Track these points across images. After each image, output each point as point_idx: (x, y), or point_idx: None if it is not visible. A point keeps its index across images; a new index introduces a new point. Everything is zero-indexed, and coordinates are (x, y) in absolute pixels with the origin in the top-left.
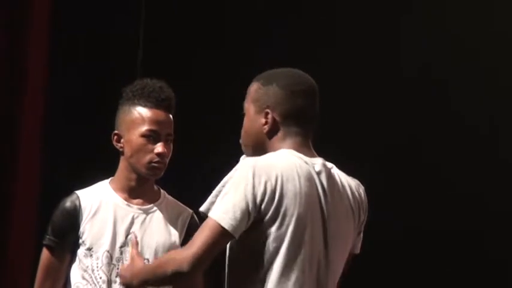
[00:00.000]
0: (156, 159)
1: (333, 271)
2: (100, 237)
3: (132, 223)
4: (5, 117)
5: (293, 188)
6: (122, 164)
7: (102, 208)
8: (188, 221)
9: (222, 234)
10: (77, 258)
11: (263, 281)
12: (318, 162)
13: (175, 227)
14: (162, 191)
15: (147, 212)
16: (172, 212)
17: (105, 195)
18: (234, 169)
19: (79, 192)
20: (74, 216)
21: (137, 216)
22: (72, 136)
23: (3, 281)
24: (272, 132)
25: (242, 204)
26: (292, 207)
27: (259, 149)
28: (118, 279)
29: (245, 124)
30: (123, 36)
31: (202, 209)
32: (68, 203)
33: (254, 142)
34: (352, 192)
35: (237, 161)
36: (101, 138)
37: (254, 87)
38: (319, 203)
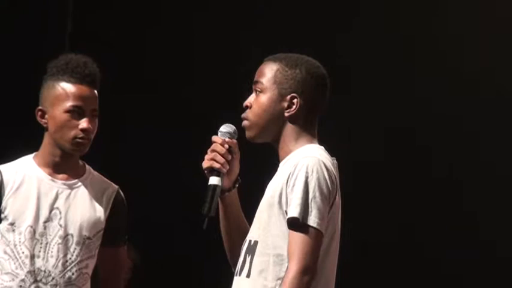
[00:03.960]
0: (81, 135)
1: None
2: (23, 212)
3: (56, 198)
4: None
5: (338, 188)
6: (46, 140)
7: (26, 183)
8: (114, 196)
9: (321, 238)
10: None
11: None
12: (335, 162)
13: (100, 203)
14: (87, 166)
15: (71, 187)
16: (97, 187)
17: (28, 170)
18: (302, 170)
19: (1, 167)
20: None
21: (61, 192)
22: None
23: None
24: (294, 119)
25: (326, 206)
26: (338, 203)
27: (271, 131)
28: (41, 254)
29: (262, 103)
30: (52, 7)
31: (297, 216)
32: None
33: (268, 123)
34: None
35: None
36: (25, 113)
37: (275, 67)
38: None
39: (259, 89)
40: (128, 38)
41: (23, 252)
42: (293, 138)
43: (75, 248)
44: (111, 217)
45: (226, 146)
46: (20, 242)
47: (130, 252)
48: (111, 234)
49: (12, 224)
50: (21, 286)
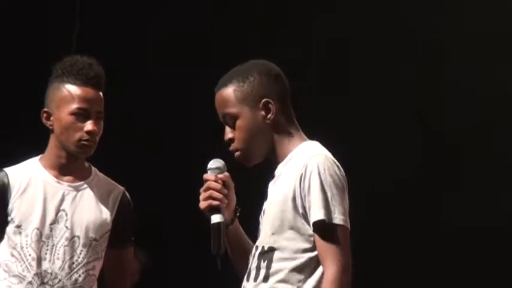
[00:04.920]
0: (86, 137)
1: None
2: (29, 214)
3: (62, 200)
4: None
5: None
6: (52, 142)
7: (32, 185)
8: (120, 198)
9: (348, 234)
10: (6, 235)
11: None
12: None
13: (107, 204)
14: (93, 168)
15: (77, 189)
16: (103, 189)
17: (34, 173)
18: (314, 170)
19: (7, 170)
20: (2, 194)
21: (67, 193)
22: (1, 112)
23: None
24: (277, 122)
25: (346, 200)
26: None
27: (264, 146)
28: (48, 256)
29: (243, 127)
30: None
31: (324, 217)
32: None
33: (258, 141)
34: None
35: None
36: (31, 115)
37: (230, 90)
38: None
39: (231, 119)
40: (135, 38)
41: (29, 255)
42: (286, 140)
43: (81, 250)
44: (117, 219)
45: (220, 181)
46: (26, 244)
47: (138, 254)
48: (117, 235)
49: (18, 227)
50: None
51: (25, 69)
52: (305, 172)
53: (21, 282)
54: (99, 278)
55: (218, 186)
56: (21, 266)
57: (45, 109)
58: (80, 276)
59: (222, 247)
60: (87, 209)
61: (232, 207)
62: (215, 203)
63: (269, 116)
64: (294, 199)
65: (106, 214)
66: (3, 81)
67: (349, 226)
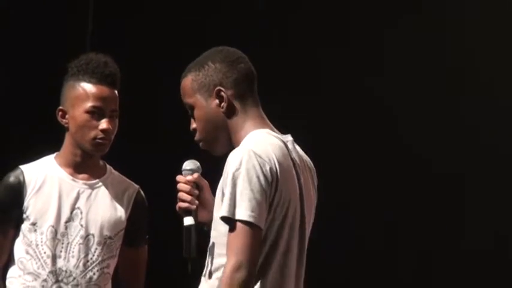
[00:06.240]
0: (101, 135)
1: (304, 254)
2: (45, 212)
3: (77, 198)
4: None
5: (284, 173)
6: (67, 140)
7: (47, 183)
8: (134, 196)
9: (256, 230)
10: (21, 233)
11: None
12: (289, 140)
13: (121, 202)
14: (108, 166)
15: (92, 187)
16: (118, 187)
17: (50, 170)
18: (231, 164)
19: (23, 167)
20: (17, 191)
21: (83, 191)
22: (17, 110)
23: None
24: (231, 108)
25: (262, 196)
26: (285, 192)
27: (225, 135)
28: (63, 254)
29: (199, 117)
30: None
31: (226, 214)
32: (11, 178)
33: (217, 130)
34: (311, 169)
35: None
36: (47, 113)
37: (188, 80)
38: (299, 184)
39: (190, 109)
40: (147, 39)
41: (44, 252)
42: (240, 127)
43: (96, 248)
44: (131, 217)
45: (190, 183)
46: (41, 242)
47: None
48: (132, 234)
49: (34, 224)
50: (43, 286)
51: (40, 68)
52: (225, 167)
53: (36, 279)
54: (114, 276)
55: (187, 188)
56: (36, 263)
57: (61, 107)
58: (94, 274)
59: (193, 251)
60: (102, 207)
61: (210, 207)
62: (184, 205)
63: (222, 104)
64: (222, 194)
65: (121, 212)
66: (18, 81)
67: (258, 222)
